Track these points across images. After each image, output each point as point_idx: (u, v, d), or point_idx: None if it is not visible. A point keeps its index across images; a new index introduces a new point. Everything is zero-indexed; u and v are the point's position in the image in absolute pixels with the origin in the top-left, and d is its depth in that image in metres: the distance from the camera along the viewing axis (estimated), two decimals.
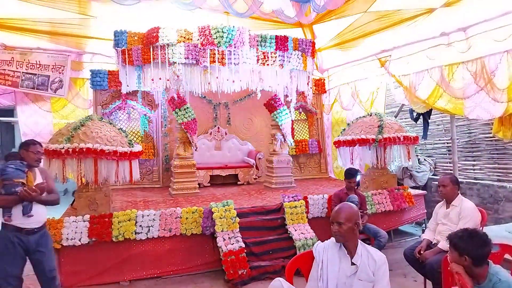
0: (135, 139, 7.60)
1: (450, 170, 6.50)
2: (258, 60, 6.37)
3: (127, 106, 7.45)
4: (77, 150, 4.44)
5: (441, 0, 5.47)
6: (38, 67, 6.76)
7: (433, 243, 3.90)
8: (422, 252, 3.79)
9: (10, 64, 6.54)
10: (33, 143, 3.43)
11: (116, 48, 6.22)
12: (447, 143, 6.83)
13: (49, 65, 6.84)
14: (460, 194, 3.90)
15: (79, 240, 4.34)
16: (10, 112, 8.57)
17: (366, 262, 2.42)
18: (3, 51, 6.53)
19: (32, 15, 6.41)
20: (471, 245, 2.31)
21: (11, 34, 6.47)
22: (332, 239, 2.54)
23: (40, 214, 3.28)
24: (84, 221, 4.45)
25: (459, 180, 5.89)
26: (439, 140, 7.16)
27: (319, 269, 2.46)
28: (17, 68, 6.58)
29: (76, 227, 4.39)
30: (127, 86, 6.37)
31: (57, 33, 6.87)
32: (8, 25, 6.34)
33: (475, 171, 6.39)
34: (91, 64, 7.48)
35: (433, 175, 7.09)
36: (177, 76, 6.04)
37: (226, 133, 8.15)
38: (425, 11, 5.77)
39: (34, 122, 7.02)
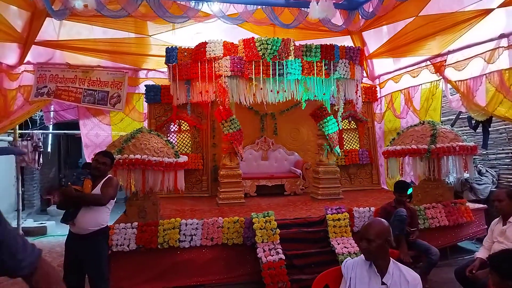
0: (185, 149, 7.89)
1: None
2: (303, 70, 6.34)
3: (178, 118, 7.77)
4: (127, 161, 4.72)
5: (498, 0, 5.09)
6: (98, 84, 7.31)
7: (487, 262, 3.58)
8: (474, 271, 3.50)
9: (73, 81, 7.16)
10: (97, 153, 3.79)
11: (168, 63, 6.54)
12: (511, 153, 6.25)
13: (108, 82, 7.37)
14: None
15: (128, 246, 4.57)
16: (77, 125, 9.32)
17: (398, 282, 2.28)
18: (68, 70, 7.16)
19: (93, 36, 7.01)
20: None
21: (74, 54, 7.10)
22: (362, 256, 2.43)
23: (81, 222, 3.48)
24: (132, 228, 4.69)
25: None
26: (503, 149, 6.57)
27: (347, 287, 2.37)
28: (79, 85, 7.18)
29: (125, 234, 4.64)
30: (177, 99, 6.66)
31: (116, 51, 7.40)
32: (72, 46, 6.96)
33: None
34: (146, 79, 7.94)
35: (496, 187, 6.51)
36: (223, 89, 6.19)
37: (272, 143, 8.17)
38: (482, 12, 5.39)
39: (95, 134, 7.59)
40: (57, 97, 7.10)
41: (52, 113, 7.86)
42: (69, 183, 3.54)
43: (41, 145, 8.28)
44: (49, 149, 10.03)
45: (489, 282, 2.21)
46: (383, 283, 2.31)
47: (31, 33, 6.47)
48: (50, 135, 10.01)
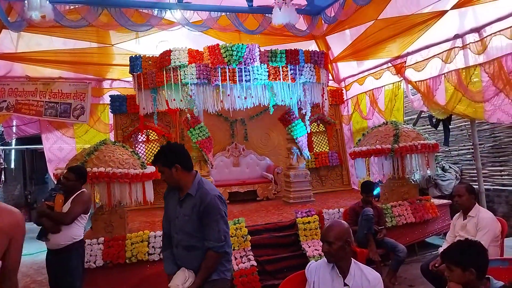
0: None
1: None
2: (269, 75, 6.35)
3: (145, 128, 7.63)
4: (90, 174, 4.57)
5: (451, 2, 5.30)
6: (60, 96, 7.10)
7: None
8: (437, 265, 3.60)
9: (34, 94, 6.92)
10: (65, 170, 3.79)
11: (133, 73, 6.42)
12: (472, 149, 6.50)
13: (70, 93, 7.17)
14: (477, 204, 3.69)
15: (94, 263, 4.43)
16: (40, 139, 9.00)
17: (359, 283, 2.31)
18: (28, 83, 6.92)
19: (54, 47, 6.81)
20: (474, 256, 2.12)
21: (34, 66, 6.87)
22: (325, 258, 2.45)
23: (53, 237, 3.49)
24: (98, 243, 4.56)
25: (486, 187, 5.63)
26: (464, 146, 6.82)
27: None
28: (40, 98, 6.95)
29: (91, 250, 4.50)
30: (143, 109, 6.55)
31: (78, 62, 7.21)
32: (31, 57, 6.73)
33: (503, 177, 6.02)
34: (111, 90, 7.77)
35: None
36: (190, 96, 6.13)
37: (243, 149, 8.15)
38: (437, 14, 5.60)
39: (59, 148, 7.35)
40: (17, 111, 6.85)
41: (14, 128, 7.57)
42: (43, 200, 3.58)
43: (2, 161, 7.95)
44: (12, 165, 9.63)
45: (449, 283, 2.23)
46: (345, 284, 2.33)
47: None
48: (13, 151, 9.63)
